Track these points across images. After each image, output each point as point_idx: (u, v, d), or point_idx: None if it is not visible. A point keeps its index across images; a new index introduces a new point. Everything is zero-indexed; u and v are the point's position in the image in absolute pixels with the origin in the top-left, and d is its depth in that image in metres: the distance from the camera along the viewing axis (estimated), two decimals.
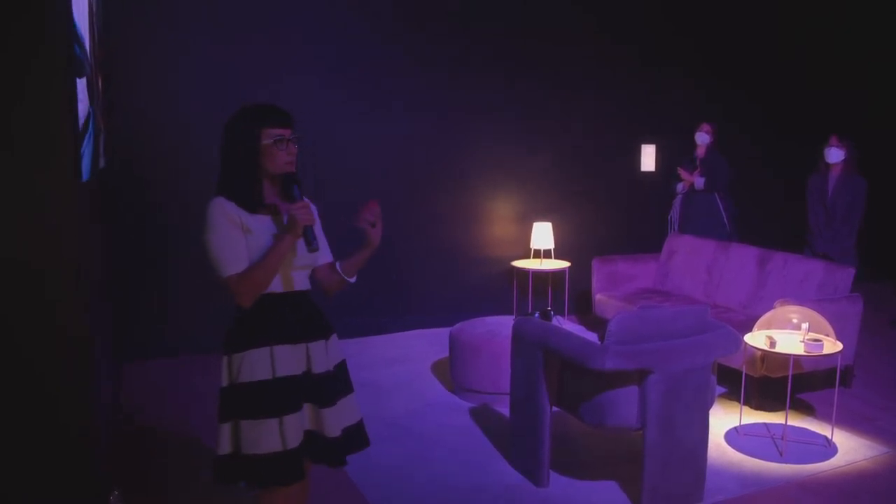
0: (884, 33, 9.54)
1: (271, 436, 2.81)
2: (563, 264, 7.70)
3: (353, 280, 3.11)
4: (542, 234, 7.66)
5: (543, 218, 7.89)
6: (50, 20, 2.49)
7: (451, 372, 5.71)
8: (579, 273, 7.94)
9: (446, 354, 6.40)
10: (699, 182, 7.36)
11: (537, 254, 7.84)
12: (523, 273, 7.83)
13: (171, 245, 6.43)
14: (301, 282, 2.99)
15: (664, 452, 3.97)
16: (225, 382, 2.88)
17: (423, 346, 7.01)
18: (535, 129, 7.88)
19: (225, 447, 2.87)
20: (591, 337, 4.12)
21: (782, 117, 9.23)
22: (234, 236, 2.78)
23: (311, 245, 2.84)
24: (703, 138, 7.43)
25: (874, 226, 7.56)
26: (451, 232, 7.65)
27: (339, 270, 3.07)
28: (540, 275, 7.93)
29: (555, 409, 4.31)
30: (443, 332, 7.09)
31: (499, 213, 7.85)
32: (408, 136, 7.32)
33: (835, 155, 6.46)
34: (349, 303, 7.15)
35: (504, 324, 5.71)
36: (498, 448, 4.81)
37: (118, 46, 6.12)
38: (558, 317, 6.58)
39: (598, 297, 7.20)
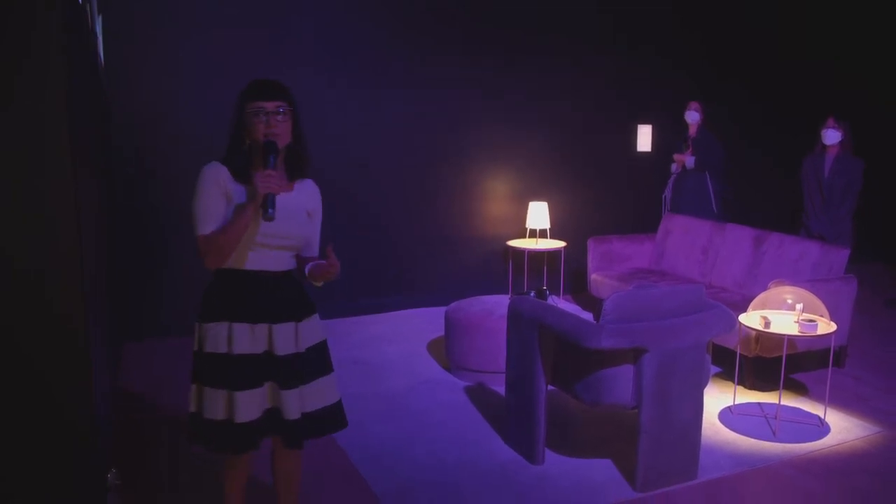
0: (880, 14, 9.52)
1: (220, 406, 2.93)
2: (558, 244, 7.70)
3: (317, 284, 3.13)
4: (538, 214, 7.66)
5: (539, 197, 7.90)
6: (46, 15, 2.48)
7: (447, 350, 5.72)
8: (575, 253, 7.95)
9: (442, 333, 6.41)
10: (690, 161, 7.35)
11: (533, 233, 7.85)
12: (519, 252, 7.83)
13: (171, 225, 6.39)
14: (284, 261, 3.02)
15: (659, 431, 3.99)
16: (195, 347, 3.02)
17: (419, 324, 7.01)
18: (532, 108, 7.86)
19: (192, 406, 3.03)
20: (587, 316, 4.13)
21: (778, 98, 9.23)
22: (215, 199, 2.88)
23: (266, 214, 2.84)
24: (692, 117, 7.40)
25: (869, 207, 7.57)
26: (446, 212, 7.64)
27: (306, 274, 3.10)
28: (535, 254, 7.93)
29: (550, 387, 4.32)
30: (438, 311, 7.11)
31: (494, 193, 7.84)
32: (404, 117, 7.29)
33: (832, 136, 6.45)
34: (345, 282, 7.16)
35: (500, 303, 5.71)
36: (493, 426, 4.83)
37: (118, 38, 6.09)
38: (553, 296, 6.60)
39: (594, 276, 7.21)
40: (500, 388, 5.34)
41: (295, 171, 3.05)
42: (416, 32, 7.24)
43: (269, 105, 2.89)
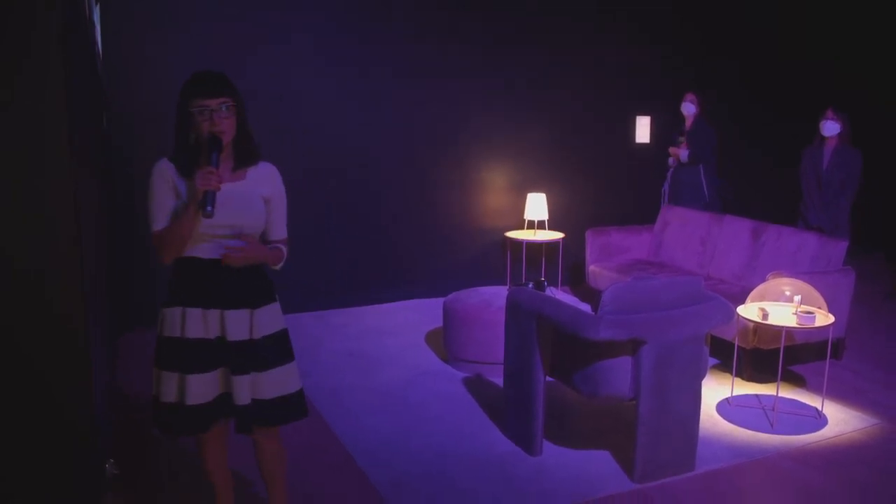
0: (880, 13, 9.50)
1: (171, 388, 3.02)
2: (556, 235, 7.71)
3: (276, 267, 3.19)
4: (536, 205, 7.66)
5: (537, 189, 7.90)
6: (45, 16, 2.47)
7: (445, 342, 5.73)
8: (573, 244, 7.96)
9: (440, 325, 6.42)
10: (683, 155, 7.35)
11: (531, 225, 7.85)
12: (517, 244, 7.84)
13: None
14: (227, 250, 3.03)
15: (657, 422, 4.00)
16: (157, 332, 3.11)
17: (417, 316, 7.02)
18: (530, 99, 7.85)
19: (153, 388, 3.12)
20: (585, 308, 4.14)
21: (776, 89, 9.22)
22: (165, 196, 2.97)
23: (205, 211, 2.86)
24: (689, 108, 7.39)
25: (867, 198, 7.57)
26: (444, 203, 7.64)
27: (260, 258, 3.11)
28: (534, 246, 7.94)
29: (548, 378, 4.34)
30: (436, 303, 7.11)
31: (493, 184, 7.84)
32: (403, 110, 7.27)
33: (830, 128, 6.44)
34: (342, 274, 7.19)
35: (498, 294, 5.73)
36: (491, 417, 4.84)
37: (117, 35, 6.07)
38: (552, 288, 6.61)
39: (592, 268, 7.22)
40: (499, 380, 5.35)
41: (244, 160, 3.05)
42: (413, 24, 7.22)
43: (213, 102, 2.90)
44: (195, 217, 2.89)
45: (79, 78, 3.32)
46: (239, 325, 3.02)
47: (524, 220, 7.86)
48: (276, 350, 3.13)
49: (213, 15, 6.41)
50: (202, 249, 2.99)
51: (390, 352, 6.06)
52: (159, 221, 2.96)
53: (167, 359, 3.03)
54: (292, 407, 3.18)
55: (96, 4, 5.53)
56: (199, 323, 3.00)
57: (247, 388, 3.04)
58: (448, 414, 4.92)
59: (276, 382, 3.11)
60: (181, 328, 3.00)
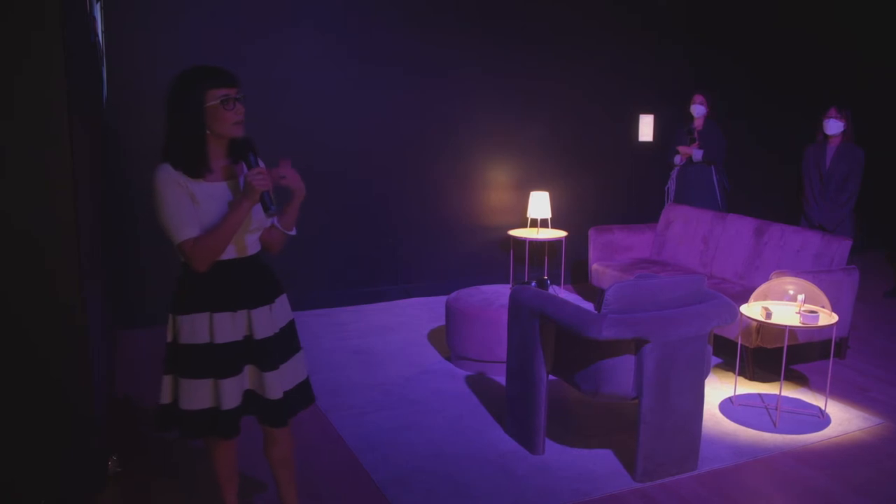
0: (879, 5, 9.49)
1: (204, 395, 2.94)
2: (559, 234, 7.70)
3: (292, 233, 3.11)
4: (539, 204, 7.65)
5: (540, 187, 7.88)
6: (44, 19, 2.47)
7: (448, 340, 5.73)
8: (576, 243, 7.95)
9: (442, 323, 6.42)
10: (697, 154, 7.32)
11: (534, 223, 7.84)
12: (520, 242, 7.83)
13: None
14: (252, 245, 3.03)
15: (659, 421, 3.99)
16: (169, 339, 2.99)
17: (419, 314, 7.02)
18: (533, 97, 7.84)
19: (165, 398, 3.02)
20: (588, 306, 4.13)
21: (779, 87, 9.20)
22: (184, 201, 2.81)
23: (269, 210, 2.87)
24: (699, 110, 7.36)
25: (869, 197, 7.56)
26: (447, 200, 7.63)
27: (278, 225, 3.08)
28: (536, 244, 7.93)
29: (551, 377, 4.33)
30: (439, 301, 7.11)
31: (496, 182, 7.83)
32: (404, 104, 7.27)
33: (834, 126, 6.42)
34: (345, 271, 7.19)
35: (500, 292, 5.72)
36: (493, 415, 4.84)
37: (117, 22, 6.07)
38: (554, 286, 6.60)
39: (595, 266, 7.20)
40: (501, 378, 5.35)
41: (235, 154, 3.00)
42: (416, 21, 7.21)
43: (233, 91, 2.85)
44: (244, 219, 2.85)
45: (79, 76, 3.31)
46: (263, 322, 3.01)
47: (527, 219, 7.85)
48: (291, 340, 3.16)
49: (214, 13, 6.40)
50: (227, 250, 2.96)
51: (393, 349, 6.05)
52: (188, 229, 2.80)
53: (194, 366, 2.93)
54: (308, 393, 3.21)
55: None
56: (228, 326, 2.94)
57: (278, 382, 3.03)
58: (450, 412, 4.91)
59: (293, 371, 3.13)
60: (210, 334, 2.92)
